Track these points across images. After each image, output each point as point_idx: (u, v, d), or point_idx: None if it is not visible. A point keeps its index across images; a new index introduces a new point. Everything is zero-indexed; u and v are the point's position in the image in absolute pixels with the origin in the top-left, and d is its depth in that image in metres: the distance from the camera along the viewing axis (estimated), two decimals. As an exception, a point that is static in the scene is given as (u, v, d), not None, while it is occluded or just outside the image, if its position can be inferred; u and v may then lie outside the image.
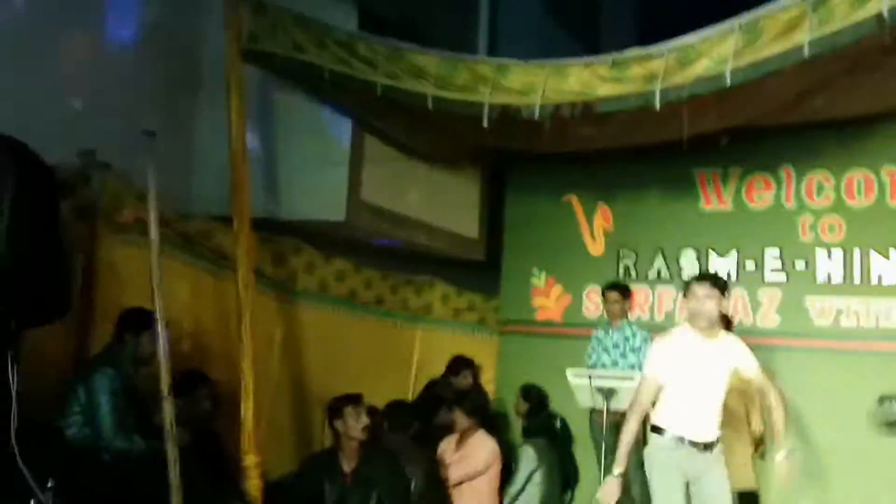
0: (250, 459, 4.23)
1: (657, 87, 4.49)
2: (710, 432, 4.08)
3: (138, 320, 4.06)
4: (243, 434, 4.25)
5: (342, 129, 5.74)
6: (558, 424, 6.47)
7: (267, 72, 5.49)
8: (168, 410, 3.74)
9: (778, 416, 4.07)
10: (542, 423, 6.25)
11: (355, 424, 4.67)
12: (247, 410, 4.31)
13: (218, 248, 5.11)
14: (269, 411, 5.54)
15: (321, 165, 5.67)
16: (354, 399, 4.75)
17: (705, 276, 4.36)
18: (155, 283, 3.65)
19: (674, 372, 4.11)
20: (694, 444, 4.03)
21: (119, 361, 4.05)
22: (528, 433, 6.18)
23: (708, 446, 4.05)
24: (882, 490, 5.63)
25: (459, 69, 4.95)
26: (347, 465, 4.69)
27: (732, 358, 4.16)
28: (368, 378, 6.31)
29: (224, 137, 5.07)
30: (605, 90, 4.67)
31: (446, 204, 6.91)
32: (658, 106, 4.51)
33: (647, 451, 4.19)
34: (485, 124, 4.87)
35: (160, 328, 3.72)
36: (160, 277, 3.73)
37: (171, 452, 3.68)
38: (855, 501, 5.72)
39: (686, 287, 4.24)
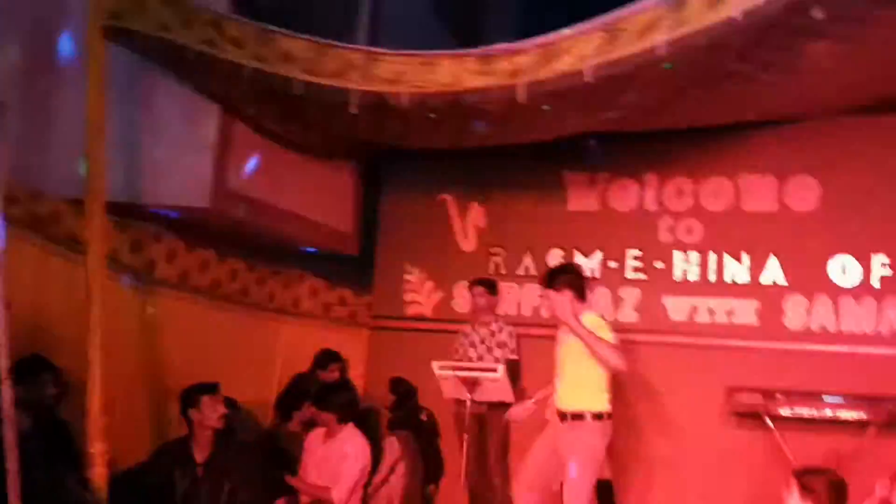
0: (96, 447, 4.04)
1: (522, 81, 4.57)
2: (564, 403, 4.51)
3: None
4: (89, 422, 4.06)
5: (209, 114, 5.57)
6: (424, 417, 6.50)
7: (130, 51, 5.28)
8: (6, 394, 3.53)
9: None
10: (408, 416, 6.26)
11: (211, 414, 4.54)
12: (93, 398, 4.12)
13: (70, 231, 4.88)
14: (125, 401, 5.31)
15: (186, 151, 5.48)
16: (211, 388, 4.63)
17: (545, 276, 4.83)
18: (-6, 262, 3.44)
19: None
20: (558, 413, 4.52)
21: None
22: (393, 425, 6.18)
23: (563, 416, 4.49)
24: (731, 474, 5.94)
25: (330, 55, 4.90)
26: (200, 455, 4.55)
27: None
28: (230, 372, 6.11)
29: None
30: (472, 82, 4.72)
31: (319, 197, 6.81)
32: (522, 99, 4.60)
33: None
34: (353, 111, 4.84)
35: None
36: (1, 256, 3.52)
37: (9, 437, 3.49)
38: (707, 486, 5.99)
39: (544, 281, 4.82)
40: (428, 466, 6.29)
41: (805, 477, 3.12)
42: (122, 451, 4.98)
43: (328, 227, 6.91)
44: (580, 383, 4.54)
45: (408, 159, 7.12)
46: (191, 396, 4.60)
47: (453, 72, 4.78)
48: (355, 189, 7.33)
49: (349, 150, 6.98)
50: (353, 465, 5.51)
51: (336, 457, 5.53)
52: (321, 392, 5.84)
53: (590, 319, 4.64)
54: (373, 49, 5.02)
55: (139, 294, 5.58)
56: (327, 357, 6.58)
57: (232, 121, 5.66)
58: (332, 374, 6.51)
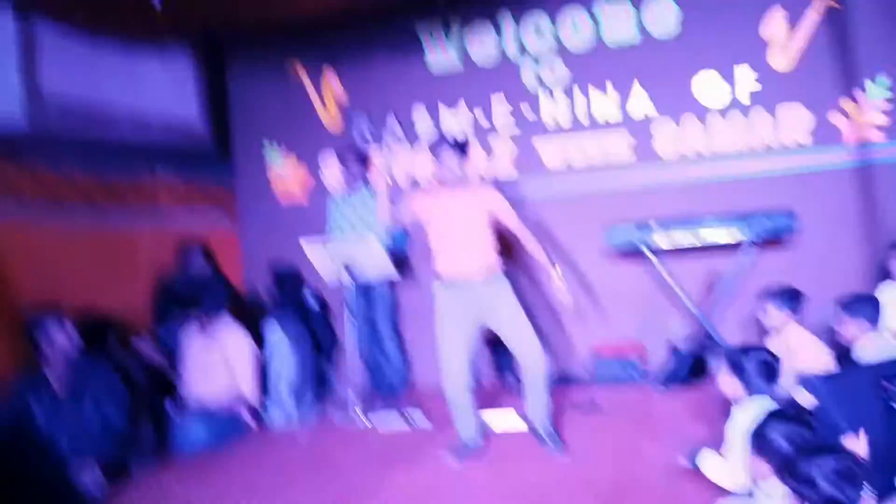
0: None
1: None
2: (480, 269, 4.35)
3: None
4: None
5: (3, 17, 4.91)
6: (309, 297, 6.31)
7: None
8: None
9: (535, 248, 4.46)
10: (289, 298, 6.05)
11: (60, 338, 4.28)
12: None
13: None
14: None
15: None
16: (55, 312, 4.34)
17: (445, 142, 4.50)
18: None
19: (433, 222, 4.45)
20: (466, 283, 4.33)
21: None
22: (275, 309, 5.96)
23: (483, 282, 4.33)
24: (613, 304, 6.06)
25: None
26: (56, 380, 4.29)
27: (486, 204, 4.45)
28: (93, 288, 5.77)
29: None
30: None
31: (155, 90, 6.26)
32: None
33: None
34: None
35: None
36: None
37: None
38: (599, 323, 6.09)
39: (432, 152, 4.49)
40: (321, 346, 6.16)
41: (735, 355, 3.13)
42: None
43: (171, 122, 6.38)
44: (489, 245, 4.44)
45: (250, 35, 6.64)
46: (35, 323, 4.31)
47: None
48: (196, 75, 6.77)
49: (181, 34, 6.39)
50: (242, 357, 5.34)
51: (217, 353, 5.34)
52: (189, 290, 5.57)
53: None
54: None
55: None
56: (186, 248, 6.29)
57: (32, 19, 5.02)
58: (197, 263, 6.22)
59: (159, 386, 5.04)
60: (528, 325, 4.33)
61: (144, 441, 4.74)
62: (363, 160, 6.11)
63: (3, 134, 5.12)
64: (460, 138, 4.61)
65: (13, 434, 4.14)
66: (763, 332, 4.56)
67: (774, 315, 4.34)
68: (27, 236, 5.46)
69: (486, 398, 5.30)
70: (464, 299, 4.32)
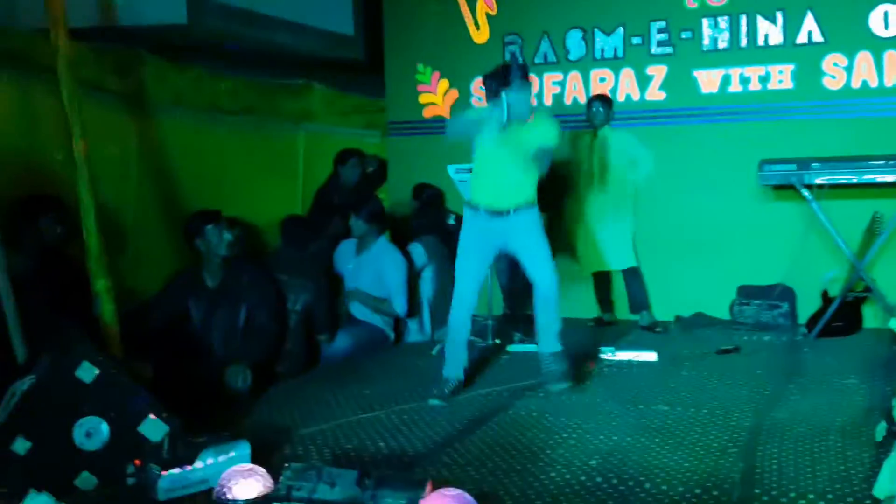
0: (101, 284, 3.97)
1: None
2: (513, 201, 4.18)
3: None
4: (90, 260, 3.96)
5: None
6: (452, 221, 6.35)
7: None
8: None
9: None
10: (433, 221, 6.12)
11: (218, 242, 4.44)
12: (89, 235, 3.98)
13: (46, 61, 4.59)
14: (134, 235, 5.27)
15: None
16: (213, 216, 4.49)
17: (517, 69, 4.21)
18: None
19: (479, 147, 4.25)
20: (494, 211, 4.17)
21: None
22: (418, 231, 6.06)
23: (514, 213, 4.17)
24: (768, 249, 5.75)
25: None
26: (212, 282, 4.51)
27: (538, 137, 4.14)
28: (249, 192, 6.04)
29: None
30: None
31: (314, 2, 6.34)
32: None
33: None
34: None
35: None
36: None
37: (3, 281, 3.43)
38: (745, 263, 5.85)
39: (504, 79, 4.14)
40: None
41: None
42: (140, 284, 5.00)
43: (327, 32, 6.47)
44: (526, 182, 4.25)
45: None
46: (194, 226, 4.48)
47: None
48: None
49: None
50: (398, 275, 5.46)
51: (373, 269, 5.47)
52: (352, 201, 5.68)
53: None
54: None
55: (135, 120, 5.34)
56: (346, 153, 6.40)
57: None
58: (353, 170, 6.38)
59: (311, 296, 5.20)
60: (547, 251, 4.24)
61: (299, 353, 4.96)
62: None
63: (167, 36, 5.34)
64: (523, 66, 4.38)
65: (168, 324, 4.41)
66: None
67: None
68: (188, 136, 5.72)
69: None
70: (489, 228, 4.21)
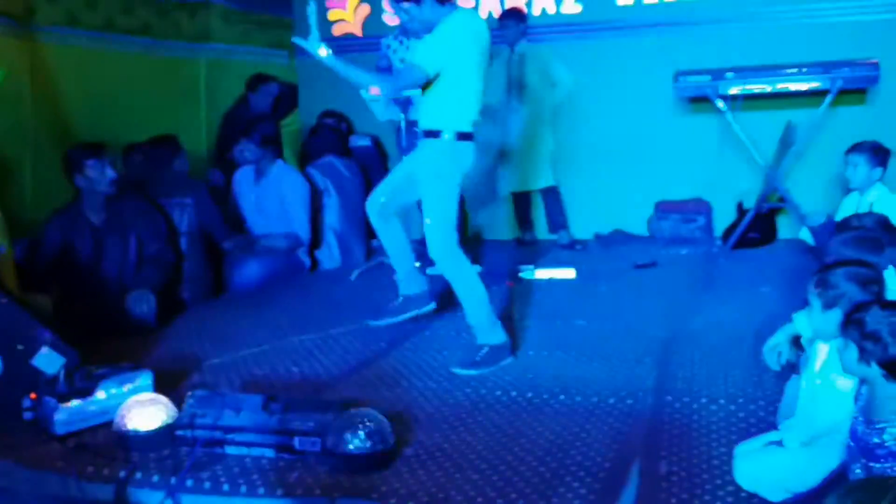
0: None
1: None
2: (424, 121, 3.52)
3: None
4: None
5: None
6: (366, 142, 6.19)
7: None
8: None
9: None
10: (327, 142, 5.93)
11: (100, 178, 4.14)
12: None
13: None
14: (34, 163, 4.95)
15: None
16: (96, 149, 4.16)
17: None
18: None
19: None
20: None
21: None
22: (311, 155, 5.89)
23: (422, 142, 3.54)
24: (683, 163, 5.77)
25: None
26: (97, 218, 4.24)
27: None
28: (150, 117, 5.72)
29: None
30: None
31: None
32: None
33: None
34: None
35: None
36: None
37: None
38: (659, 178, 5.84)
39: None
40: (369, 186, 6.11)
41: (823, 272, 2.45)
42: (47, 212, 4.69)
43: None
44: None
45: None
46: (73, 161, 4.15)
47: None
48: None
49: None
50: (295, 197, 5.30)
51: (275, 195, 5.29)
52: (249, 125, 5.45)
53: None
54: None
55: (25, 42, 4.97)
56: (257, 79, 6.14)
57: None
58: (265, 98, 6.15)
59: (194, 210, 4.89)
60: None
61: (201, 276, 4.79)
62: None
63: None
64: None
65: (55, 262, 4.18)
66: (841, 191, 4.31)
67: (861, 172, 4.08)
68: (81, 61, 5.37)
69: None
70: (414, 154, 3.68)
